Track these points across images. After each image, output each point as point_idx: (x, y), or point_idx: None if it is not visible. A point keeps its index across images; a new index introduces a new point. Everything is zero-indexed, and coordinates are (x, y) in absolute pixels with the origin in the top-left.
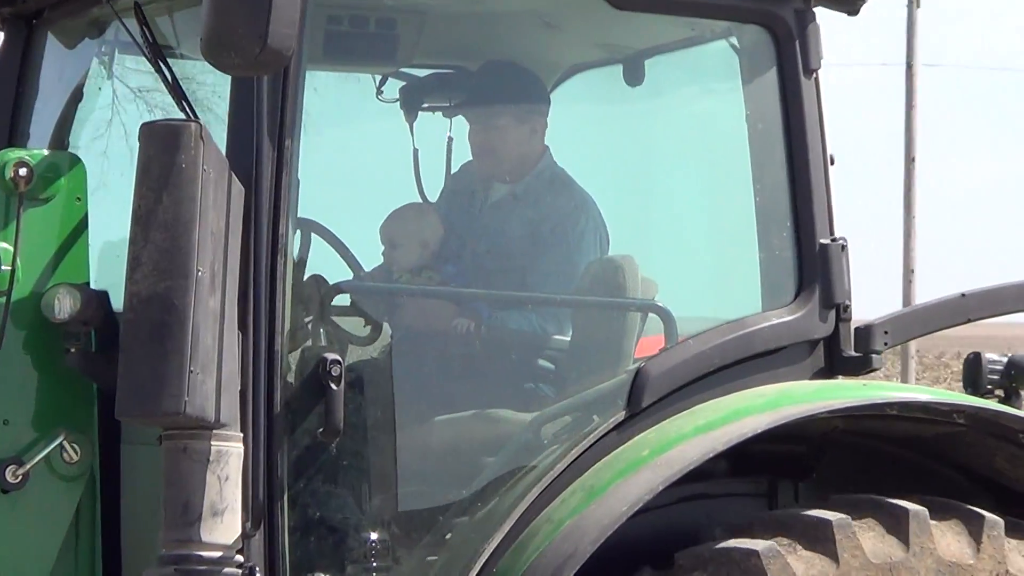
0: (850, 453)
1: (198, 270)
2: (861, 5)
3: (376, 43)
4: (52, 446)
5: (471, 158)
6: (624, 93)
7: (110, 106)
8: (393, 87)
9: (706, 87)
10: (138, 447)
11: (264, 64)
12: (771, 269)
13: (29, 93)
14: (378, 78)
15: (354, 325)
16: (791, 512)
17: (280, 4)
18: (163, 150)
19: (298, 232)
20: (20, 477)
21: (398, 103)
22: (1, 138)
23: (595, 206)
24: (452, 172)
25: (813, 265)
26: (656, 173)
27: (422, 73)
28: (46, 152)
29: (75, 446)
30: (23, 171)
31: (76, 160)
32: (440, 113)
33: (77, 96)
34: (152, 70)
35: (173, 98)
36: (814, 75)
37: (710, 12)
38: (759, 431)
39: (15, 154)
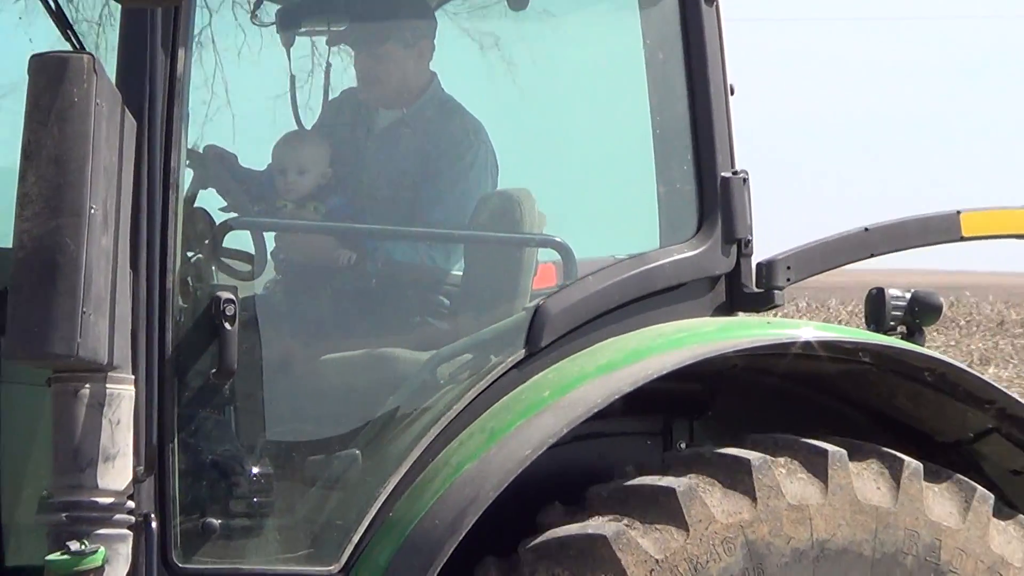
0: (746, 391)
1: (91, 208)
2: None
3: None
4: None
5: (350, 85)
6: (509, 16)
7: None
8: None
9: (600, 13)
10: (16, 386)
11: None
12: (670, 203)
13: None
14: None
15: (245, 262)
16: (627, 485)
17: None
18: (54, 83)
19: (189, 167)
20: None
21: (274, 27)
22: None
23: (486, 134)
24: (331, 98)
25: (714, 199)
26: (547, 102)
27: None
28: None
29: None
30: None
31: None
32: (323, 39)
33: None
34: None
35: (56, 26)
36: (715, 3)
37: None
38: (665, 371)
39: None
